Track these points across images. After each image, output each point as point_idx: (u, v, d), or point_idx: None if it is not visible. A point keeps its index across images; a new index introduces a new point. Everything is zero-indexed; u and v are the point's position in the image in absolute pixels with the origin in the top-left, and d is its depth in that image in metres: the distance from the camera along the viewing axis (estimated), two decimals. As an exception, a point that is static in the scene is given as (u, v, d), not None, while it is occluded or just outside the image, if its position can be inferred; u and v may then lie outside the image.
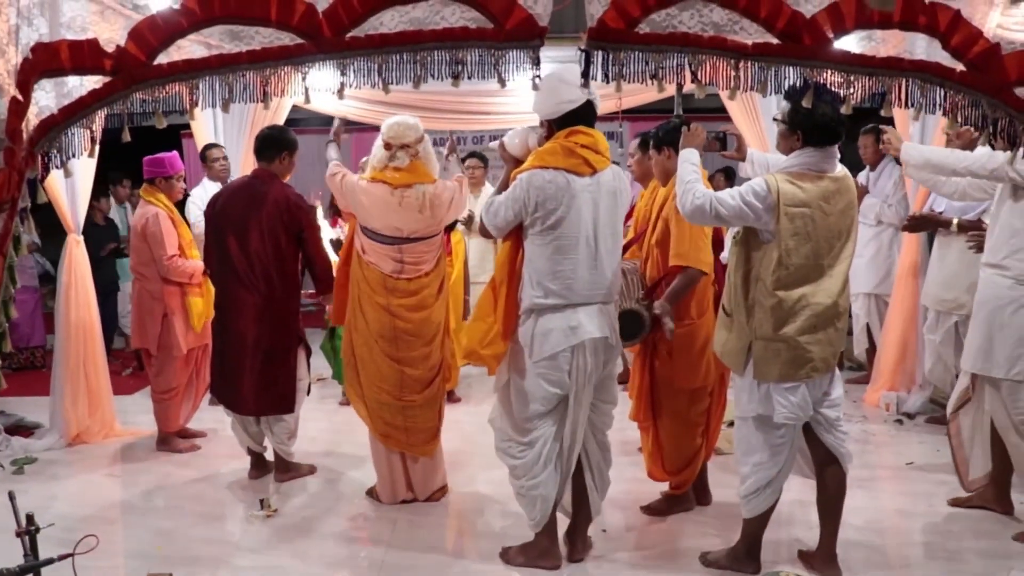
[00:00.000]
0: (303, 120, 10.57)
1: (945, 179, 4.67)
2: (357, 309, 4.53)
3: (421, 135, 4.46)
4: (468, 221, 6.69)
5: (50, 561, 3.12)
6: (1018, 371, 4.11)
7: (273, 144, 4.90)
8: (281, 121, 6.85)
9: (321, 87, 3.32)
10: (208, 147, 6.70)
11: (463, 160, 7.53)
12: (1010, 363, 4.13)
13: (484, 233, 3.89)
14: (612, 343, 3.82)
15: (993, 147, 3.41)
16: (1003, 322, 4.16)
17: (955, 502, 4.55)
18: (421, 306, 4.49)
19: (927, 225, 4.84)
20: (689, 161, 3.68)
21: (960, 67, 3.08)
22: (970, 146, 4.34)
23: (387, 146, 4.41)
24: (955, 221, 5.08)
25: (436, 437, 4.65)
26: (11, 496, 3.18)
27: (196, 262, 5.59)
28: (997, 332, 4.17)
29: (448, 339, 4.67)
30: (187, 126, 8.50)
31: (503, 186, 3.82)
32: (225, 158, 6.63)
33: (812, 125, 3.46)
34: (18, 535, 3.06)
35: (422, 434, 4.56)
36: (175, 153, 5.71)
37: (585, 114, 3.71)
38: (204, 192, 6.44)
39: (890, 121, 6.03)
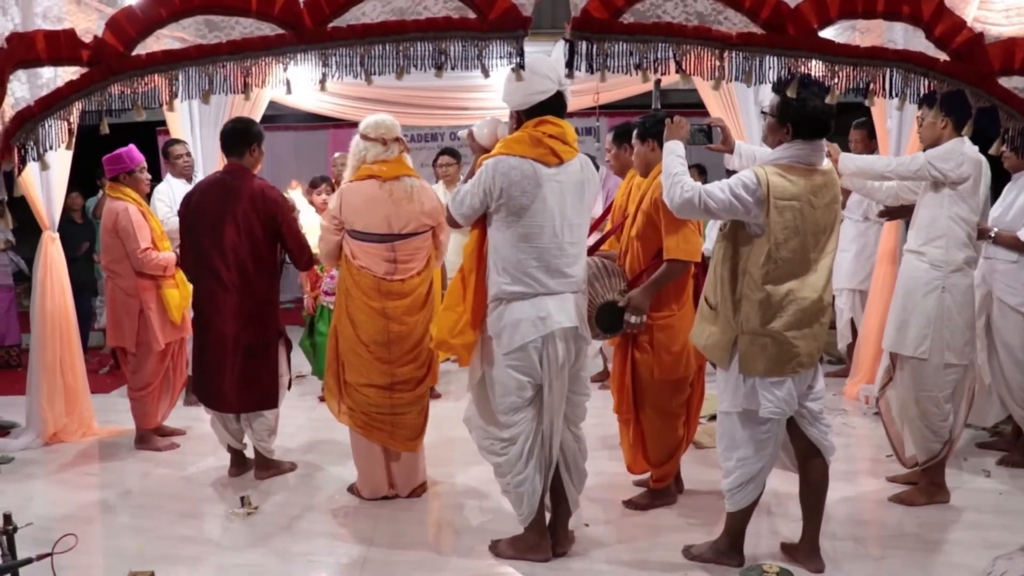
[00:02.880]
0: (280, 116, 10.57)
1: (879, 185, 4.81)
2: (344, 315, 4.51)
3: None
4: None
5: (28, 561, 3.08)
6: (923, 350, 4.35)
7: (242, 138, 4.83)
8: (258, 116, 6.76)
9: (302, 79, 3.29)
10: (170, 143, 6.61)
11: (435, 159, 7.50)
12: (917, 342, 4.37)
13: (451, 223, 3.88)
14: (582, 333, 3.81)
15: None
16: (916, 304, 4.38)
17: (892, 479, 4.79)
18: (414, 308, 4.49)
19: (904, 212, 4.91)
20: (675, 153, 3.65)
21: (944, 57, 3.08)
22: (936, 140, 4.39)
23: (382, 142, 4.45)
24: None
25: (421, 434, 4.64)
26: (-12, 495, 3.15)
27: (169, 254, 5.53)
28: (911, 313, 4.39)
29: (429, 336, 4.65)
30: (163, 122, 8.40)
31: (471, 175, 3.81)
32: (188, 154, 6.54)
33: (802, 117, 3.44)
34: (-4, 535, 3.03)
35: (408, 431, 4.55)
36: (132, 146, 5.60)
37: (555, 105, 3.71)
38: (169, 188, 6.36)
39: (869, 113, 6.09)
